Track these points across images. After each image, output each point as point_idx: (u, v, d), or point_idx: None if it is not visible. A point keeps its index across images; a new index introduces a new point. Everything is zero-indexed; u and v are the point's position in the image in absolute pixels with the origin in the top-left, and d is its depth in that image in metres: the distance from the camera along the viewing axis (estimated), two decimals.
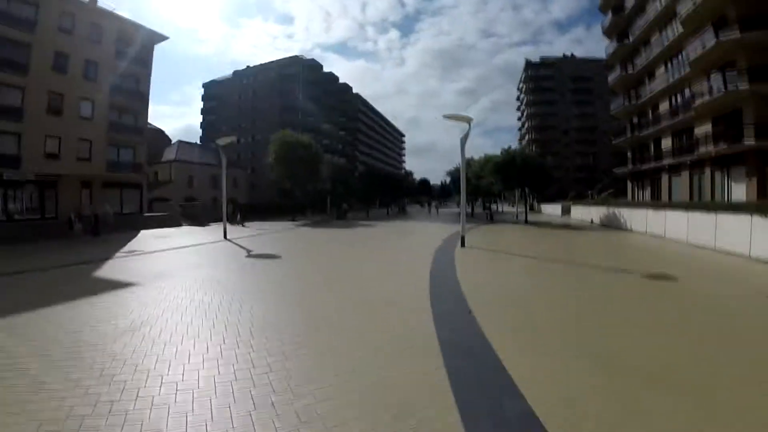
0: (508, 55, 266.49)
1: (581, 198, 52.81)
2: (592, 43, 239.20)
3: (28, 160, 23.66)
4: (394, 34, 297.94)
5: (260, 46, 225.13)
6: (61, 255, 14.55)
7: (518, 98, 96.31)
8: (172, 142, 48.81)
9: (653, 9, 31.71)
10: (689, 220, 18.09)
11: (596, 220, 31.46)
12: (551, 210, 48.99)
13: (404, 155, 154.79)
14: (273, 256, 13.67)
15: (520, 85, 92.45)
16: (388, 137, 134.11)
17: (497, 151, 34.55)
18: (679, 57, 29.79)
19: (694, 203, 22.00)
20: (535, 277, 9.77)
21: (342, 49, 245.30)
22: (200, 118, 78.56)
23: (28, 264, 12.42)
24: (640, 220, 23.38)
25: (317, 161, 37.44)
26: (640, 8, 33.58)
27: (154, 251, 15.27)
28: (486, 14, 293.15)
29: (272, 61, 71.36)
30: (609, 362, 4.45)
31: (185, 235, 22.94)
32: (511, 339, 5.21)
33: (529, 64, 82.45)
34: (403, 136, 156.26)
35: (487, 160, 37.83)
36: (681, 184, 30.14)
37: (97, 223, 23.13)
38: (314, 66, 72.99)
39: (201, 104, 78.68)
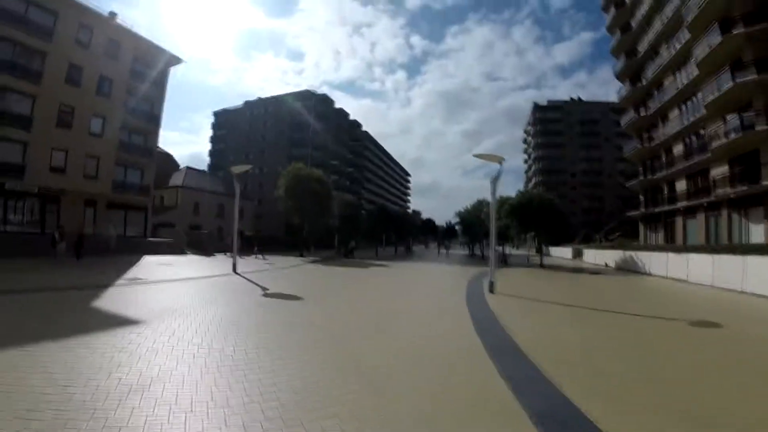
0: (511, 98, 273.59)
1: (588, 241, 52.04)
2: (594, 88, 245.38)
3: (33, 171, 23.07)
4: (401, 75, 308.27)
5: (270, 80, 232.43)
6: (52, 276, 13.44)
7: (525, 140, 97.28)
8: (180, 167, 48.76)
9: (667, 53, 32.06)
10: (714, 263, 17.62)
11: (611, 264, 30.78)
12: (560, 253, 48.06)
13: (410, 194, 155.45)
14: (293, 296, 12.15)
15: (527, 128, 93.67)
16: (394, 176, 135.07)
17: (502, 193, 34.15)
18: (694, 100, 29.83)
19: (720, 246, 21.27)
20: (584, 327, 8.81)
21: (349, 87, 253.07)
22: (208, 147, 79.56)
23: (17, 283, 11.44)
24: (660, 263, 22.81)
25: (328, 196, 36.71)
26: (654, 52, 34.00)
27: (160, 281, 14.03)
28: (491, 58, 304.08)
29: (284, 94, 72.87)
30: (710, 423, 3.94)
31: (191, 264, 21.72)
32: (600, 402, 4.43)
33: (537, 107, 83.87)
34: (408, 175, 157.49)
35: (502, 202, 37.37)
36: (697, 226, 29.60)
37: (81, 245, 21.05)
38: (326, 100, 74.29)
39: (209, 133, 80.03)
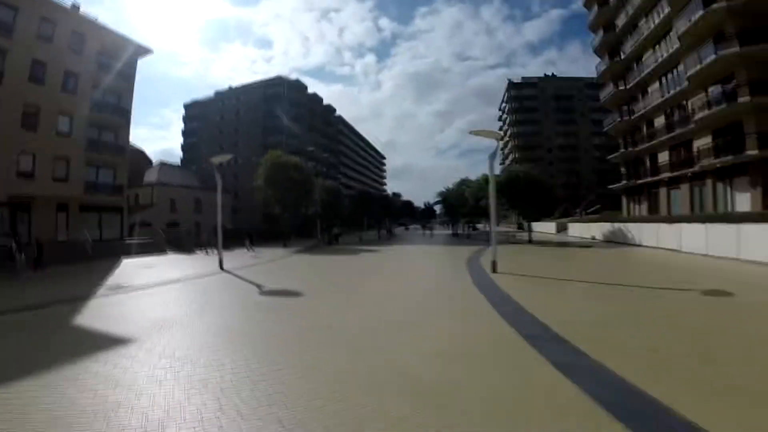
0: (482, 78, 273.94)
1: (567, 215, 52.97)
2: (564, 65, 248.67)
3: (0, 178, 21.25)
4: (370, 58, 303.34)
5: (239, 69, 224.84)
6: (22, 292, 12.18)
7: (500, 118, 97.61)
8: (153, 163, 46.50)
9: (646, 27, 32.14)
10: (708, 232, 18.01)
11: (598, 237, 31.32)
12: (541, 228, 48.59)
13: (386, 177, 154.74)
14: (291, 293, 11.29)
15: (503, 105, 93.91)
16: (370, 159, 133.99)
17: (474, 172, 34.47)
18: (674, 72, 30.17)
19: (714, 215, 21.82)
20: (605, 304, 8.53)
21: (319, 73, 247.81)
22: (180, 141, 76.34)
23: None
24: (651, 234, 23.39)
25: (309, 183, 35.68)
26: (633, 26, 34.05)
27: (145, 286, 12.77)
28: (461, 38, 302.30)
29: (256, 81, 70.27)
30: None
31: (174, 264, 20.49)
32: (664, 383, 4.25)
33: (511, 84, 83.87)
34: (383, 158, 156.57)
35: (486, 179, 37.28)
36: (681, 196, 30.28)
37: (41, 254, 18.55)
38: (298, 86, 71.98)
39: (180, 127, 76.67)
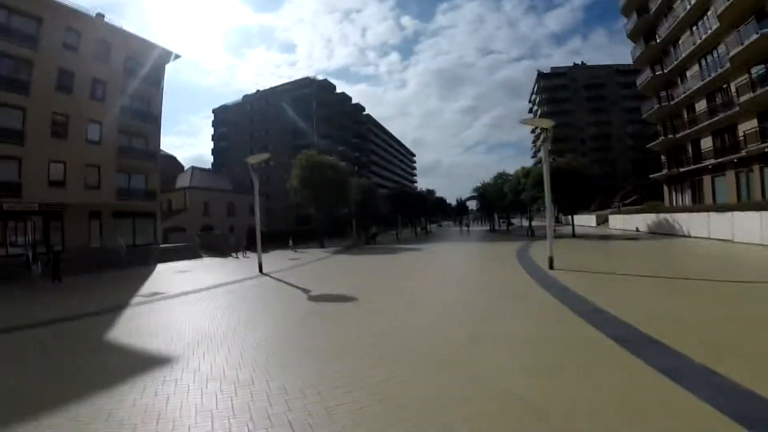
0: (507, 71, 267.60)
1: (603, 207, 50.85)
2: (589, 53, 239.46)
3: (31, 187, 21.98)
4: (394, 56, 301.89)
5: (263, 74, 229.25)
6: (58, 302, 11.79)
7: (531, 110, 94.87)
8: (185, 169, 47.91)
9: (682, 7, 30.33)
10: (763, 221, 17.28)
11: (642, 228, 30.14)
12: (580, 221, 46.84)
13: (416, 174, 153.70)
14: (344, 297, 10.30)
15: (532, 97, 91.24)
16: (399, 157, 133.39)
17: (502, 167, 33.69)
18: (714, 54, 28.38)
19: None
20: (685, 300, 7.98)
21: (344, 74, 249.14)
22: (209, 148, 78.61)
23: (13, 316, 9.76)
24: (701, 224, 22.72)
25: (345, 182, 35.24)
26: (668, 7, 32.15)
27: (182, 293, 12.27)
28: (483, 32, 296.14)
29: (284, 84, 71.21)
30: None
31: (210, 269, 20.22)
32: None
33: (541, 75, 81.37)
34: (413, 155, 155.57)
35: (526, 172, 36.62)
36: (726, 184, 28.84)
37: (57, 264, 16.79)
38: (327, 86, 72.30)
39: (209, 134, 79.00)
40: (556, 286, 9.94)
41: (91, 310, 10.04)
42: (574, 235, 29.88)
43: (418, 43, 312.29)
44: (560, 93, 77.98)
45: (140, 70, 28.50)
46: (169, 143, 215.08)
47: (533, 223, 43.57)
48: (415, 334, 6.66)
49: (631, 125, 69.48)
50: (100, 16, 27.03)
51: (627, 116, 71.57)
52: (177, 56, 31.39)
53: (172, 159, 46.83)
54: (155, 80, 30.22)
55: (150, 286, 14.55)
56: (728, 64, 25.96)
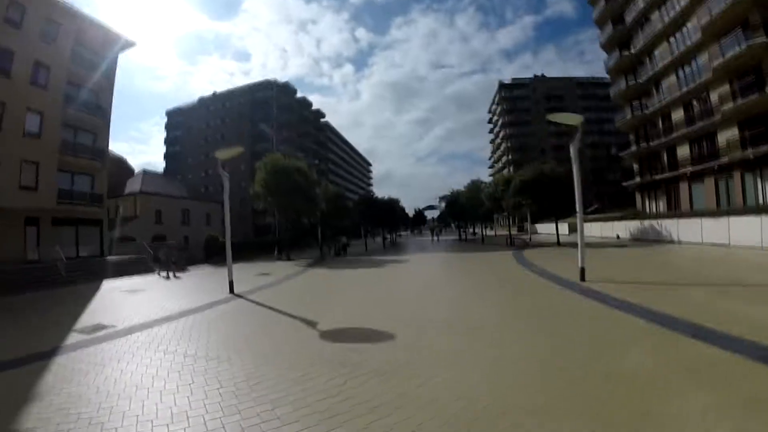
0: (458, 84, 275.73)
1: (565, 216, 51.49)
2: (539, 68, 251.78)
3: None
4: (348, 68, 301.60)
5: (217, 82, 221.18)
6: None
7: (490, 120, 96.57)
8: (135, 172, 42.91)
9: (659, 19, 31.00)
10: (764, 225, 17.17)
11: (624, 235, 29.95)
12: (546, 230, 46.84)
13: (372, 184, 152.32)
14: (369, 334, 7.11)
15: (493, 107, 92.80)
16: (357, 166, 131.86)
17: (454, 178, 32.63)
18: (693, 64, 29.08)
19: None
20: (747, 305, 7.02)
21: (298, 84, 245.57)
22: (161, 155, 72.63)
23: None
24: (692, 230, 22.49)
25: (314, 189, 32.06)
26: (645, 18, 32.78)
27: (135, 327, 8.67)
28: (436, 46, 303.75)
29: (243, 86, 67.16)
30: None
31: (167, 288, 16.44)
32: None
33: (502, 86, 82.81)
34: (370, 164, 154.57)
35: (506, 179, 35.70)
36: (705, 190, 29.45)
37: None
38: (288, 90, 69.09)
39: (160, 141, 73.24)
40: (614, 301, 8.27)
41: (23, 354, 6.69)
42: (558, 244, 29.04)
43: (372, 56, 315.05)
44: (520, 103, 79.61)
45: (90, 57, 24.54)
46: (118, 150, 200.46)
47: (489, 232, 42.95)
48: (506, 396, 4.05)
49: (589, 136, 71.91)
50: None
51: (586, 126, 74.06)
52: (131, 44, 27.46)
53: (121, 162, 41.81)
54: (107, 70, 26.20)
55: (92, 314, 10.79)
56: (710, 74, 26.54)
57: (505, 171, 72.23)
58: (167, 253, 22.30)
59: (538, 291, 10.62)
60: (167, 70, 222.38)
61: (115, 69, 27.09)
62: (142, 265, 24.38)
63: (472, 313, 8.37)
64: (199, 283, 17.61)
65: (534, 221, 50.06)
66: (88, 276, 20.11)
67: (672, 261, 16.13)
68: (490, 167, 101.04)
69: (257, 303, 11.21)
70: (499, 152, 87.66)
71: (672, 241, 23.82)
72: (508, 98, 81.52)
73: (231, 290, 13.16)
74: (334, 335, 7.18)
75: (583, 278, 11.01)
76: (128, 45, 27.32)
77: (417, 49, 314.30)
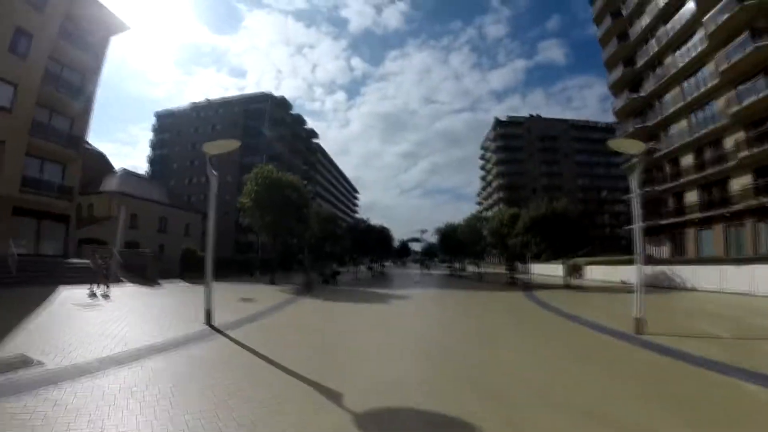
0: (447, 121, 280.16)
1: (558, 257, 50.16)
2: (526, 111, 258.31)
3: None
4: (341, 95, 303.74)
5: (211, 95, 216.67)
6: None
7: (483, 156, 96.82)
8: (115, 170, 39.81)
9: (673, 62, 30.82)
10: None
11: (629, 281, 28.19)
12: (540, 270, 45.17)
13: (358, 213, 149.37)
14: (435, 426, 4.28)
15: (486, 143, 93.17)
16: (344, 192, 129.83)
17: (438, 212, 30.87)
18: (706, 109, 28.74)
19: None
20: None
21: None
22: (146, 159, 69.51)
23: None
24: (710, 276, 21.37)
25: (307, 207, 29.03)
26: (658, 61, 32.66)
27: (65, 371, 5.57)
28: (429, 82, 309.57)
29: (237, 96, 65.60)
30: None
31: (130, 306, 13.18)
32: None
33: (498, 123, 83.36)
34: (357, 192, 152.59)
35: (512, 215, 34.13)
36: (713, 237, 28.88)
37: None
38: (283, 104, 67.69)
39: (148, 144, 70.19)
40: (726, 368, 6.31)
41: None
42: (568, 287, 27.01)
43: (365, 86, 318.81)
44: (515, 141, 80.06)
45: (80, 34, 22.27)
46: (104, 149, 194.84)
47: (481, 270, 41.03)
48: None
49: (581, 178, 72.29)
50: None
51: (578, 169, 74.52)
52: (125, 27, 25.20)
53: (101, 156, 38.77)
54: (96, 50, 23.90)
55: (24, 333, 7.93)
56: (726, 120, 26.08)
57: (495, 208, 71.23)
58: (105, 261, 17.75)
59: (600, 349, 8.26)
60: (162, 77, 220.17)
61: (106, 51, 24.79)
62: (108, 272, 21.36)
63: (564, 386, 6.38)
64: (171, 304, 14.74)
65: (525, 260, 48.53)
66: (44, 279, 17.19)
67: (709, 310, 14.42)
68: (478, 203, 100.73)
69: (243, 346, 7.80)
70: (489, 189, 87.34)
71: (687, 288, 22.46)
72: (503, 135, 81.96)
73: (208, 320, 9.95)
74: (375, 420, 4.37)
75: (639, 331, 9.04)
76: (122, 28, 25.08)
77: (410, 83, 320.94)
